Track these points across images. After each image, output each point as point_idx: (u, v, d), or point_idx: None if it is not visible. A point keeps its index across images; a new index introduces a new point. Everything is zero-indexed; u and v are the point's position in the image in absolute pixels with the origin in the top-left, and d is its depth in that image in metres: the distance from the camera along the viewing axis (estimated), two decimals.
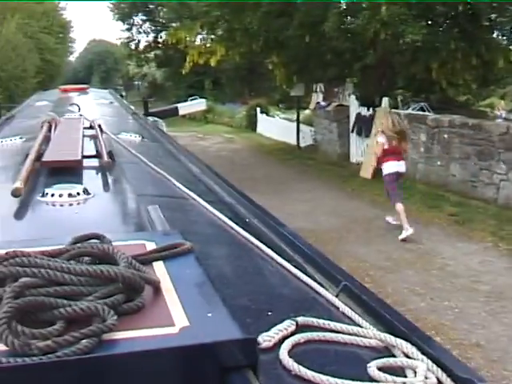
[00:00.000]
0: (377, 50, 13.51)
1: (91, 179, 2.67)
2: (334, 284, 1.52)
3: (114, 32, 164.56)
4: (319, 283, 1.51)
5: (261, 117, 25.54)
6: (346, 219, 10.24)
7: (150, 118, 17.58)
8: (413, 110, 13.81)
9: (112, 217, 2.25)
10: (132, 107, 8.46)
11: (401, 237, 8.90)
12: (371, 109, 14.55)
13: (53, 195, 2.23)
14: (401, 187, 9.92)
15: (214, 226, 2.13)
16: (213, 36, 18.01)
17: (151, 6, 36.57)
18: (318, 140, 18.41)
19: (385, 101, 13.92)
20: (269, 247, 1.76)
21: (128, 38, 41.13)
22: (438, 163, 12.24)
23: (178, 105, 21.64)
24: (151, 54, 43.17)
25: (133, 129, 5.01)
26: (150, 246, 1.47)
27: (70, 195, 2.23)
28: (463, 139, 11.49)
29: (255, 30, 14.10)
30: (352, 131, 15.70)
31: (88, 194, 2.29)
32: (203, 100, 26.04)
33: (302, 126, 19.77)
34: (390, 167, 9.46)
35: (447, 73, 14.57)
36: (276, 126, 23.19)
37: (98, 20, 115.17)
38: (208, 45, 18.58)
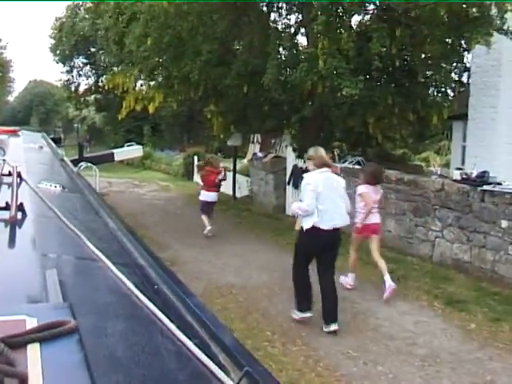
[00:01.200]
0: (314, 102, 13.42)
1: None
2: (238, 368, 1.39)
3: (54, 73, 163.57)
4: (221, 366, 1.36)
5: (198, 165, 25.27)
6: (279, 275, 9.83)
7: (84, 164, 17.16)
8: (349, 163, 13.68)
9: (1, 283, 1.87)
10: (61, 153, 8.09)
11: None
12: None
13: None
14: None
15: (118, 294, 1.90)
16: (151, 82, 17.66)
17: (92, 50, 36.13)
18: (255, 191, 18.18)
19: None
20: (173, 321, 1.58)
21: (68, 80, 40.59)
22: None
23: (114, 151, 21.27)
24: (91, 98, 42.82)
25: (55, 177, 4.76)
26: (31, 323, 1.31)
27: None
28: (399, 195, 11.38)
29: (194, 78, 13.82)
30: (288, 183, 15.52)
31: None
32: (140, 147, 25.75)
33: (238, 177, 19.56)
34: None
35: (384, 127, 14.65)
36: None
37: (39, 60, 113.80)
38: (146, 91, 18.19)
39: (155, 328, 1.60)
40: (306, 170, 13.46)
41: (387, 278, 8.56)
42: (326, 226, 7.14)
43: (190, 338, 1.48)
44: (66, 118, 63.42)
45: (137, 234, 3.35)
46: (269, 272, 10.06)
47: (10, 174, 3.72)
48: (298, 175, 14.86)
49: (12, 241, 2.40)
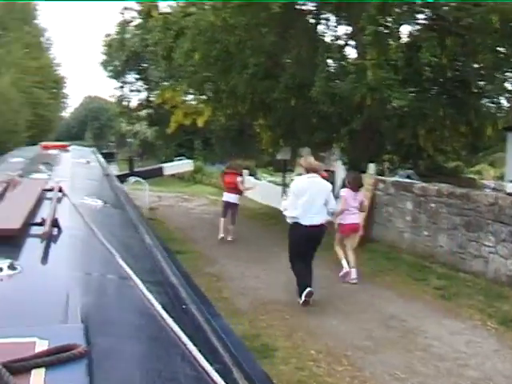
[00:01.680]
0: (363, 114, 13.21)
1: (25, 251, 2.42)
2: None
3: (108, 89, 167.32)
4: None
5: (247, 179, 25.21)
6: (326, 292, 9.67)
7: (133, 178, 17.37)
8: (399, 177, 13.43)
9: (22, 302, 1.88)
10: (106, 166, 8.19)
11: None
12: None
13: None
14: None
15: (143, 314, 1.90)
16: (200, 97, 17.77)
17: (144, 65, 36.69)
18: None
19: (371, 167, 13.59)
20: (196, 344, 1.55)
21: (120, 95, 41.28)
22: (425, 233, 11.78)
23: (164, 165, 21.53)
24: (143, 113, 43.38)
25: (98, 193, 4.78)
26: (41, 345, 1.29)
27: None
28: (451, 209, 11.07)
29: (240, 92, 13.81)
30: (337, 197, 15.26)
31: (13, 269, 2.05)
32: (189, 161, 26.00)
33: (287, 189, 19.37)
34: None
35: (435, 139, 14.33)
36: (261, 189, 22.82)
37: (94, 76, 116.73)
38: (194, 105, 18.32)
39: (176, 351, 1.56)
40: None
41: (344, 263, 10.40)
42: (306, 222, 8.65)
43: (211, 364, 1.44)
44: (119, 133, 64.43)
45: (172, 250, 3.35)
46: (315, 288, 9.86)
47: (50, 190, 3.80)
48: None
49: (43, 257, 2.38)
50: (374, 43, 11.13)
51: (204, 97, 17.71)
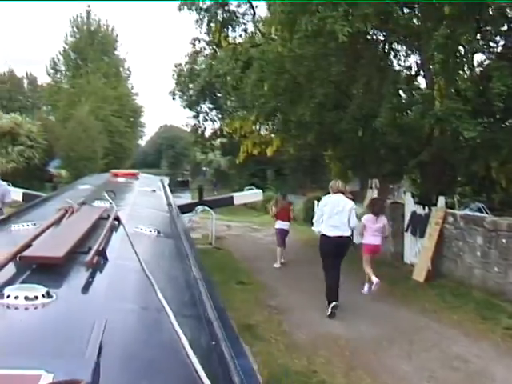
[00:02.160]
0: (432, 145, 12.95)
1: (65, 280, 2.51)
2: None
3: (183, 118, 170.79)
4: None
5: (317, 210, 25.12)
6: (390, 328, 9.44)
7: (201, 207, 17.58)
8: (470, 210, 13.06)
9: (47, 332, 1.94)
10: (171, 197, 8.33)
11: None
12: (427, 207, 13.91)
13: (8, 296, 2.06)
14: None
15: (168, 350, 1.92)
16: (268, 127, 17.93)
17: (218, 95, 37.26)
18: None
19: (441, 200, 13.30)
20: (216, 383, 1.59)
21: (195, 125, 41.95)
22: (496, 269, 11.35)
23: (234, 194, 21.68)
24: (216, 142, 43.95)
25: (155, 222, 4.91)
26: (46, 379, 1.32)
27: (26, 298, 2.05)
28: None
29: (308, 122, 13.83)
30: (406, 230, 15.01)
31: (49, 297, 2.11)
32: (259, 191, 26.02)
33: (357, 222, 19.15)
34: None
35: (509, 172, 13.87)
36: None
37: (170, 106, 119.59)
38: (263, 135, 18.47)
39: None
40: (426, 217, 13.21)
41: (373, 278, 11.35)
42: (330, 233, 9.99)
43: None
44: (194, 162, 65.53)
45: (213, 283, 3.41)
46: (379, 324, 9.68)
47: (106, 218, 3.94)
48: (417, 222, 14.39)
49: (81, 286, 2.44)
50: (442, 73, 10.96)
51: (272, 127, 17.79)
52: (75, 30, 51.15)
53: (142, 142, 76.64)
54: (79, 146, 38.51)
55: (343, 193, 10.32)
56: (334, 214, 10.01)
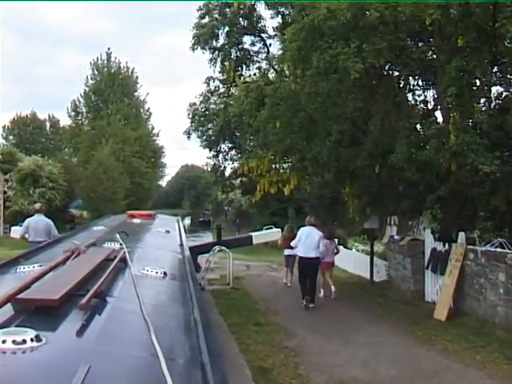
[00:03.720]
0: (450, 180, 12.70)
1: (57, 323, 2.46)
2: None
3: (204, 157, 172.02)
4: None
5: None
6: (410, 370, 9.12)
7: (217, 247, 17.47)
8: (491, 246, 12.74)
9: (32, 376, 1.92)
10: (184, 237, 8.23)
11: None
12: (447, 244, 13.63)
13: None
14: None
15: None
16: (285, 165, 17.84)
17: (238, 134, 37.36)
18: (392, 275, 17.43)
19: (461, 236, 13.03)
20: None
21: (214, 164, 42.02)
22: None
23: (253, 234, 21.51)
24: (237, 181, 43.94)
25: (163, 263, 4.86)
26: None
27: (13, 342, 2.03)
28: None
29: (323, 159, 13.70)
30: (427, 268, 14.71)
31: (39, 340, 2.08)
32: (278, 230, 25.86)
33: (376, 260, 18.94)
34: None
35: None
36: (351, 259, 22.38)
37: (191, 145, 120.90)
38: (280, 174, 18.38)
39: None
40: (446, 254, 12.95)
41: (333, 287, 15.64)
42: (304, 255, 13.68)
43: None
44: (216, 201, 65.71)
45: (212, 327, 3.27)
46: (398, 366, 9.36)
47: (112, 259, 3.93)
48: (437, 259, 14.11)
49: (72, 329, 2.41)
50: (457, 106, 10.80)
51: (289, 165, 17.71)
52: (96, 72, 52.03)
53: (163, 183, 77.12)
54: (100, 187, 38.93)
55: (315, 225, 14.13)
56: (309, 241, 13.62)
